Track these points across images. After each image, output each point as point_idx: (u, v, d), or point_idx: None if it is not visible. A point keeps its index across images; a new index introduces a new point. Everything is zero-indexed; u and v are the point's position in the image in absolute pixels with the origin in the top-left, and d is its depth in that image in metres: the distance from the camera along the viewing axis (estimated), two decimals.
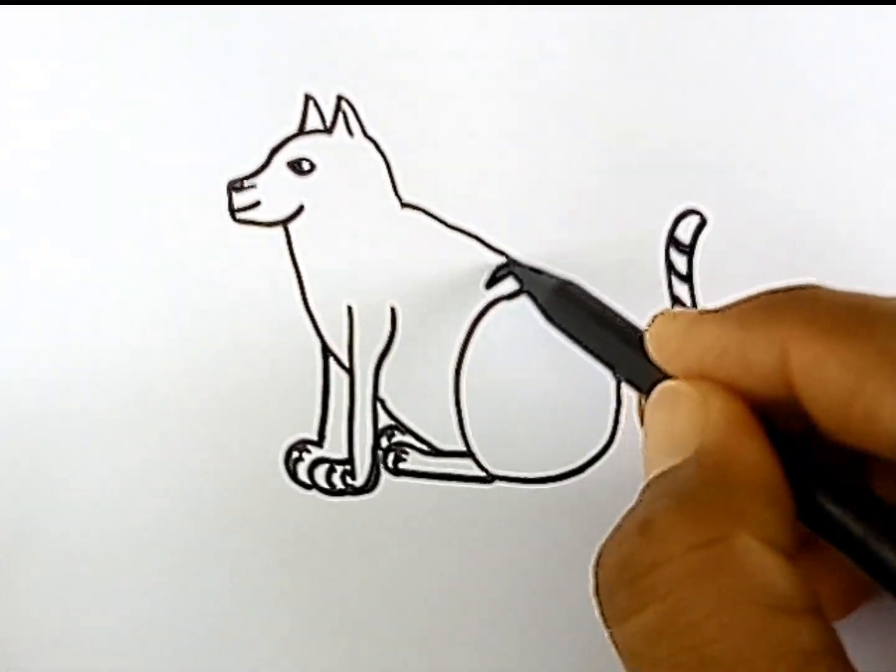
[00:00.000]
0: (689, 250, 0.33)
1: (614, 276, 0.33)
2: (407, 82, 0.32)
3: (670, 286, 0.33)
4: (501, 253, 0.33)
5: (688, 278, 0.33)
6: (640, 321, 0.32)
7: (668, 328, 0.22)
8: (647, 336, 0.23)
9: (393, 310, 0.33)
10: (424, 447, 0.33)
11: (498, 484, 0.33)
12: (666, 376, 0.22)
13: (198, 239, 0.32)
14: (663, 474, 0.20)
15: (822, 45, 0.33)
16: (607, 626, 0.20)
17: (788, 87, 0.33)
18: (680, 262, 0.33)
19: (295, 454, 0.32)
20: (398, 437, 0.33)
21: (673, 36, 0.33)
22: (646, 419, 0.22)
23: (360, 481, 0.33)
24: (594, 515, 0.33)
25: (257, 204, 0.32)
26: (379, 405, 0.33)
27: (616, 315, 0.27)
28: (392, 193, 0.33)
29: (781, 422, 0.21)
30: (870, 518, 0.19)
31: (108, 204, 0.32)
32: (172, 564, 0.32)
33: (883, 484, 0.23)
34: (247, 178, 0.32)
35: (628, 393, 0.33)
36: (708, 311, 0.22)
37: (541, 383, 0.33)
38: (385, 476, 0.33)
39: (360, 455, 0.33)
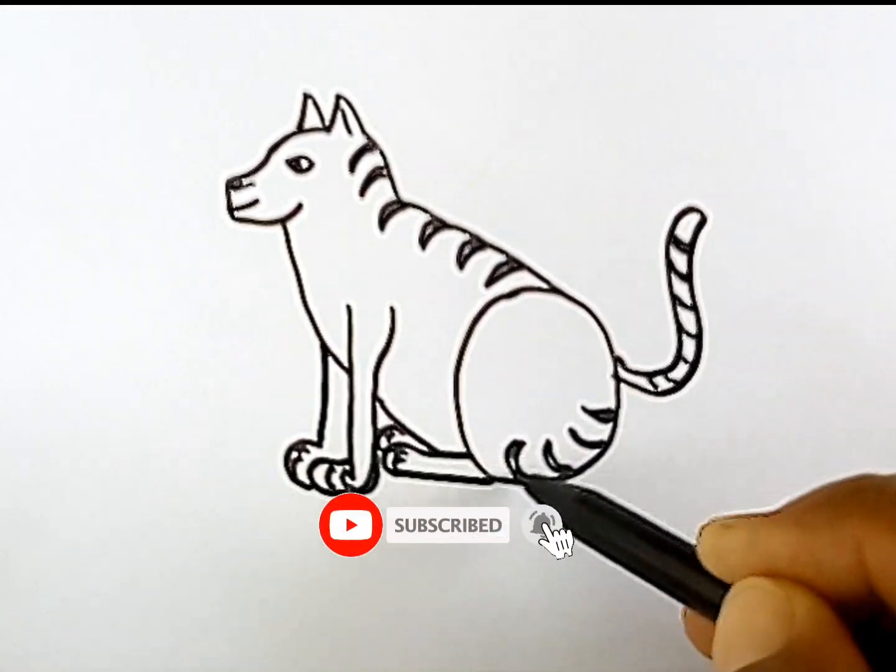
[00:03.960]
0: (689, 248, 0.33)
1: (614, 274, 0.33)
2: (406, 82, 0.32)
3: (670, 284, 0.33)
4: (501, 251, 0.33)
5: (688, 277, 0.33)
6: (641, 322, 0.33)
7: (724, 541, 0.22)
8: (701, 551, 0.22)
9: (392, 309, 0.33)
10: (424, 447, 0.33)
11: (497, 485, 0.33)
12: (725, 587, 0.22)
13: (196, 237, 0.32)
14: (748, 667, 0.20)
15: (823, 44, 0.33)
16: None
17: (789, 86, 0.33)
18: (680, 260, 0.33)
19: (294, 454, 0.32)
20: (398, 438, 0.33)
21: (673, 36, 0.33)
22: (723, 614, 0.21)
23: (359, 481, 0.33)
24: None
25: (256, 202, 0.32)
26: (378, 405, 0.33)
27: (651, 525, 0.26)
28: (391, 192, 0.32)
29: (853, 613, 0.20)
30: None
31: (106, 202, 0.32)
32: (171, 564, 0.32)
33: None
34: (245, 176, 0.32)
35: (628, 393, 0.33)
36: (762, 516, 0.22)
37: (540, 383, 0.33)
38: (384, 476, 0.33)
39: (360, 455, 0.33)
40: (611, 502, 0.28)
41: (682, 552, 0.24)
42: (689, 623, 0.24)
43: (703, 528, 0.22)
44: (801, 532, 0.21)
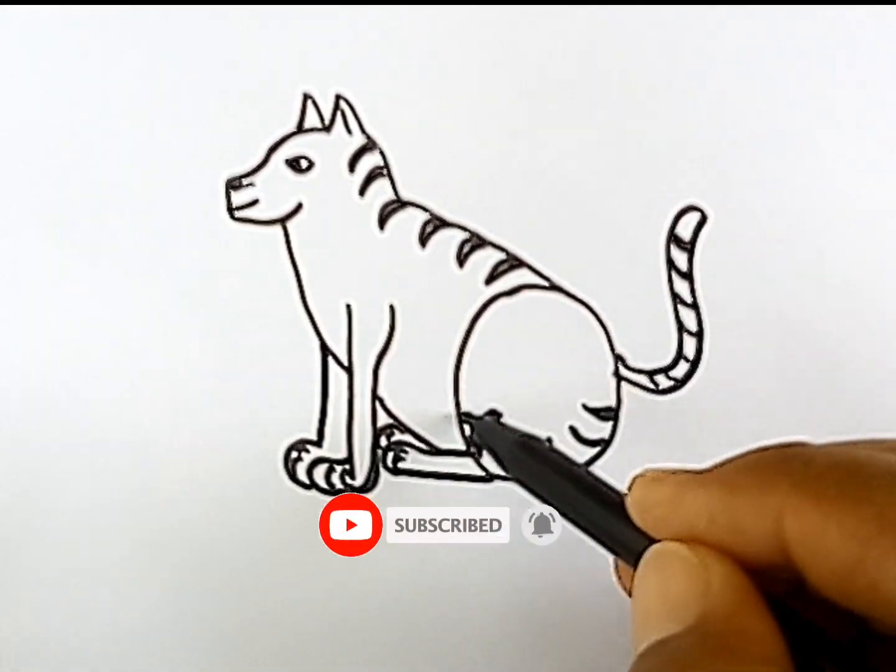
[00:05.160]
0: (689, 247, 0.33)
1: (615, 272, 0.33)
2: (406, 82, 0.32)
3: (670, 283, 0.33)
4: (501, 249, 0.32)
5: (688, 275, 0.33)
6: (642, 320, 0.33)
7: (651, 494, 0.21)
8: (628, 501, 0.22)
9: (392, 308, 0.32)
10: (424, 446, 0.33)
11: (497, 483, 0.33)
12: (650, 540, 0.21)
13: (196, 237, 0.32)
14: (662, 643, 0.19)
15: (823, 44, 0.33)
16: None
17: (788, 86, 0.33)
18: (680, 258, 0.33)
19: (294, 454, 0.32)
20: (397, 436, 0.33)
21: (673, 36, 0.33)
22: (637, 581, 0.21)
23: (359, 481, 0.33)
24: None
25: (255, 202, 0.32)
26: (378, 404, 0.33)
27: (586, 472, 0.26)
28: (391, 191, 0.32)
29: (770, 583, 0.20)
30: None
31: (107, 203, 0.32)
32: (171, 563, 0.32)
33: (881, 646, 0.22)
34: (245, 176, 0.32)
35: (629, 391, 0.33)
36: (692, 473, 0.21)
37: (540, 381, 0.33)
38: (384, 475, 0.33)
39: (360, 454, 0.33)
40: (550, 448, 0.29)
41: (612, 501, 0.23)
42: (620, 573, 0.24)
43: (634, 478, 0.22)
44: (725, 494, 0.20)
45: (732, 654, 0.18)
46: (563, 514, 0.25)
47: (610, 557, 0.23)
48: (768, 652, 0.19)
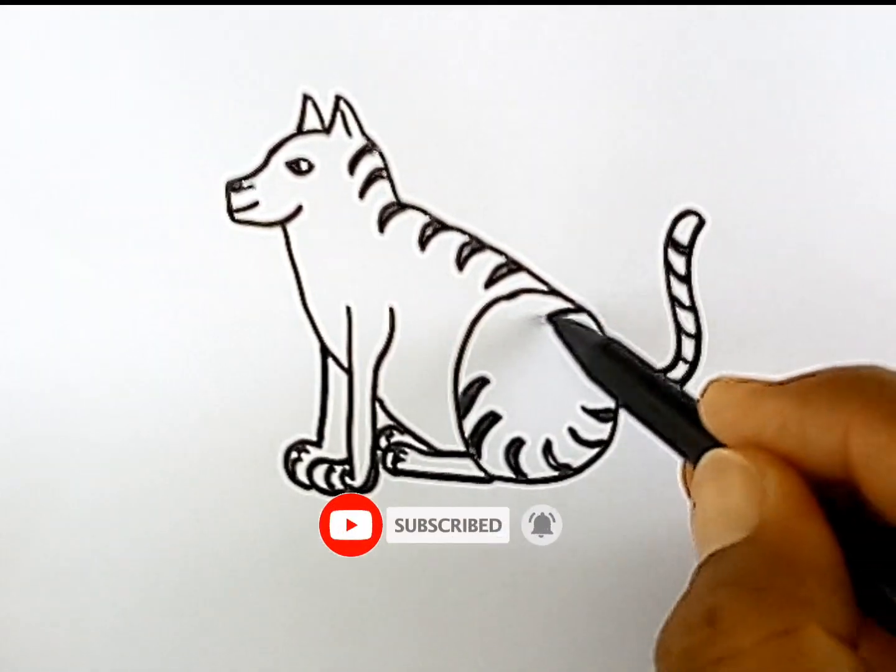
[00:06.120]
0: (687, 251, 0.33)
1: (613, 276, 0.33)
2: (406, 82, 0.32)
3: (669, 286, 0.33)
4: (501, 252, 0.33)
5: (686, 279, 0.33)
6: (640, 325, 0.33)
7: (724, 397, 0.22)
8: (701, 402, 0.22)
9: (392, 310, 0.33)
10: (423, 447, 0.33)
11: (497, 484, 0.33)
12: (716, 444, 0.22)
13: (196, 239, 0.32)
14: (721, 555, 0.19)
15: (822, 44, 0.33)
16: None
17: (788, 87, 0.33)
18: (678, 262, 0.33)
19: (294, 454, 0.32)
20: (397, 437, 0.33)
21: (673, 36, 0.33)
22: (695, 488, 0.21)
23: (358, 481, 0.33)
24: (593, 515, 0.33)
25: (256, 204, 0.32)
26: (378, 405, 0.33)
27: (661, 375, 0.27)
28: (391, 193, 0.33)
29: (830, 497, 0.20)
30: None
31: (107, 204, 0.32)
32: (170, 563, 0.32)
33: None
34: (245, 178, 0.32)
35: None
36: (766, 383, 0.22)
37: (539, 382, 0.33)
38: (384, 476, 0.33)
39: (359, 455, 0.33)
40: (630, 352, 0.29)
41: (685, 405, 0.24)
42: (686, 477, 0.24)
43: (709, 381, 0.22)
44: (798, 405, 0.20)
45: (788, 564, 0.18)
46: (638, 416, 0.26)
47: (678, 464, 0.24)
48: (824, 561, 0.19)
